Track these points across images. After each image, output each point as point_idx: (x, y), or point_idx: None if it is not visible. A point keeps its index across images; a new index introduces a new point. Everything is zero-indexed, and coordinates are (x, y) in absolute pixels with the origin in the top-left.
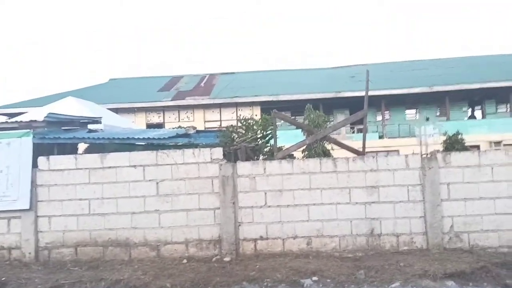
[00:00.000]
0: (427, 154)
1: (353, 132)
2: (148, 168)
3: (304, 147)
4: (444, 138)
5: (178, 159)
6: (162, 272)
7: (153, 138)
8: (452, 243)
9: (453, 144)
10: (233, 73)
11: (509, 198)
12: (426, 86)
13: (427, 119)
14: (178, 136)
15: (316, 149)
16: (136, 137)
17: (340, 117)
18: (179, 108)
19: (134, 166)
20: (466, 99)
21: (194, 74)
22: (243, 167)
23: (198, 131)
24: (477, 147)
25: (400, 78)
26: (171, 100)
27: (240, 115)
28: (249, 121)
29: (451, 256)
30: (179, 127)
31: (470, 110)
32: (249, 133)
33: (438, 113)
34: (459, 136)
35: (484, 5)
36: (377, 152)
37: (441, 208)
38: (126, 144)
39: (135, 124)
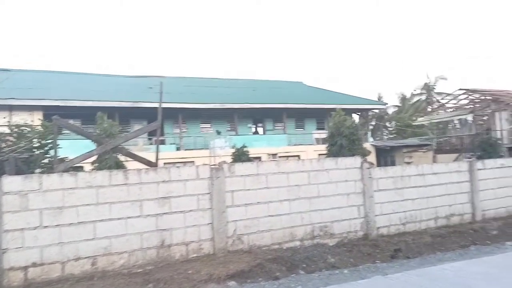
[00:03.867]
0: (216, 165)
1: (151, 144)
2: None
3: (95, 158)
4: (233, 150)
5: None
6: None
7: None
8: (235, 246)
9: (240, 155)
10: (8, 70)
11: (279, 201)
12: (219, 102)
13: (219, 133)
14: None
15: (107, 161)
16: None
17: (137, 127)
18: None
19: None
20: (251, 116)
21: None
22: (12, 182)
23: None
24: (259, 158)
25: (196, 93)
26: None
27: (15, 120)
28: (22, 128)
29: (233, 257)
30: None
31: (254, 126)
32: (22, 142)
33: (228, 128)
34: (245, 149)
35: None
36: (174, 163)
37: (226, 214)
38: None
39: None
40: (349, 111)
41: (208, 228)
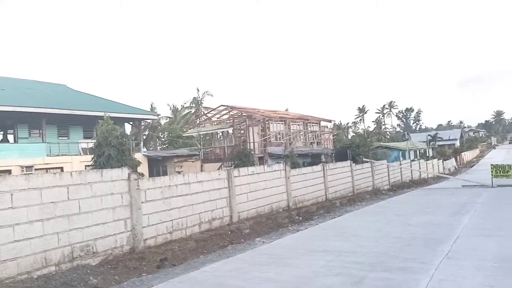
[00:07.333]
0: None
1: None
2: None
3: None
4: None
5: None
6: None
7: None
8: None
9: None
10: None
11: (28, 223)
12: None
13: None
14: None
15: None
16: None
17: None
18: None
19: None
20: None
21: None
22: None
23: None
24: (9, 172)
25: None
26: None
27: None
28: None
29: None
30: None
31: (2, 133)
32: None
33: None
34: None
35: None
36: None
37: None
38: None
39: None
40: (121, 120)
41: None
